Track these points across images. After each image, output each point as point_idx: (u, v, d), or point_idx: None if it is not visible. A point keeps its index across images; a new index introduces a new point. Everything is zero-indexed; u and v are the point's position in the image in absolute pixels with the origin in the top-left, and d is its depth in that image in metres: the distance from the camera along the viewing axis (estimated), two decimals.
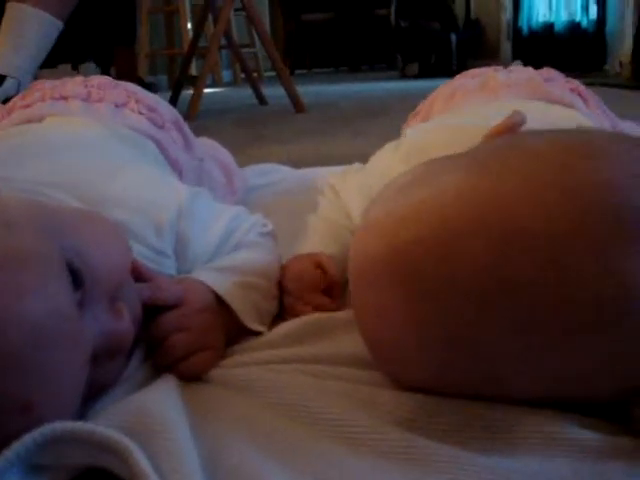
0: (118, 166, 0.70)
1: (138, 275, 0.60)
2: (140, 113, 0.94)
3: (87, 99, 0.90)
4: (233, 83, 5.35)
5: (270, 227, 0.76)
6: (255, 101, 3.26)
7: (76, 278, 0.48)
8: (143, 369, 0.57)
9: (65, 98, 0.89)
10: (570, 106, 0.91)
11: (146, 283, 0.59)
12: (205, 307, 0.61)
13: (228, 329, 0.63)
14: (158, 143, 0.90)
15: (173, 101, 2.99)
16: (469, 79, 1.06)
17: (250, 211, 0.78)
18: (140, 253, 0.61)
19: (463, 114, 0.90)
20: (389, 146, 0.85)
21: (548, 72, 1.02)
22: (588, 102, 0.97)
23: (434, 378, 0.49)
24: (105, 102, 0.91)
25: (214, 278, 0.64)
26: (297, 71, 6.25)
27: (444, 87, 1.10)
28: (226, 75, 5.47)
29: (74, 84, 0.94)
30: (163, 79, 5.00)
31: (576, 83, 0.99)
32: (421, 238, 0.46)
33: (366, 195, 0.74)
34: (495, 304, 0.43)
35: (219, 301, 0.63)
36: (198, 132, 1.36)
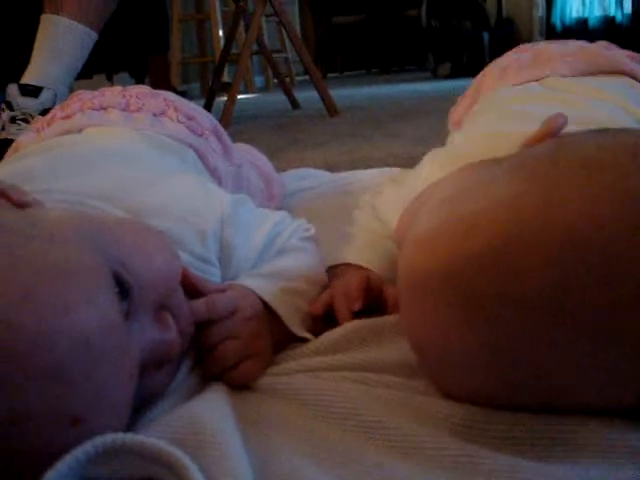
0: (159, 175, 0.70)
1: (190, 286, 0.59)
2: (179, 122, 0.94)
3: (126, 109, 0.90)
4: (265, 89, 5.37)
5: (312, 231, 0.76)
6: (288, 106, 3.27)
7: (122, 289, 0.48)
8: (191, 378, 0.56)
9: (104, 108, 0.90)
10: (631, 75, 0.87)
11: (201, 299, 0.58)
12: (254, 315, 0.61)
13: (275, 336, 0.63)
14: (197, 151, 0.90)
15: (207, 108, 3.00)
16: (521, 54, 1.03)
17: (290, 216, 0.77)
18: (186, 261, 0.61)
19: (506, 115, 0.88)
20: (427, 157, 0.83)
21: (605, 43, 0.99)
22: None
23: (482, 389, 0.48)
24: (144, 111, 0.91)
25: (261, 285, 0.64)
26: (329, 74, 6.25)
27: (492, 66, 1.07)
28: (258, 81, 5.49)
29: (113, 94, 0.94)
30: (196, 87, 5.03)
31: (633, 53, 0.96)
32: (476, 254, 0.45)
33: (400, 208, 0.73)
34: (557, 319, 0.42)
35: (266, 308, 0.63)
36: (233, 138, 1.36)
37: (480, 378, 0.47)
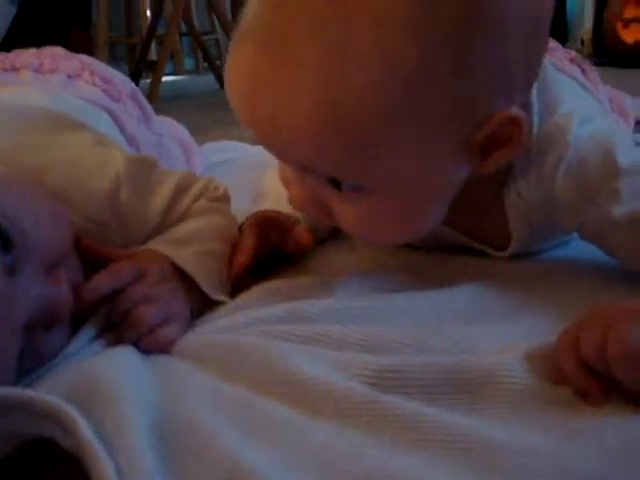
0: (55, 136, 0.66)
1: (93, 254, 0.58)
2: (94, 85, 0.91)
3: (39, 70, 0.87)
4: (195, 71, 5.28)
5: (222, 190, 0.73)
6: (217, 87, 3.22)
7: (6, 241, 0.46)
8: (95, 346, 0.54)
9: (17, 69, 0.87)
10: (571, 77, 0.90)
11: (102, 270, 0.56)
12: (164, 278, 0.59)
13: (192, 300, 0.61)
14: (112, 115, 0.88)
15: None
16: None
17: None
18: (82, 226, 0.59)
19: None
20: None
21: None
22: (587, 74, 0.95)
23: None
24: (58, 73, 0.88)
25: (171, 249, 0.62)
26: None
27: None
28: (188, 63, 5.39)
29: (27, 55, 0.91)
30: (124, 67, 4.92)
31: (574, 53, 0.98)
32: None
33: None
34: None
35: (179, 272, 0.61)
36: (157, 114, 1.34)
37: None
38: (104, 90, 0.91)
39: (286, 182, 0.62)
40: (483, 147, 0.54)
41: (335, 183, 0.55)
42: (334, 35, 0.48)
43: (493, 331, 0.52)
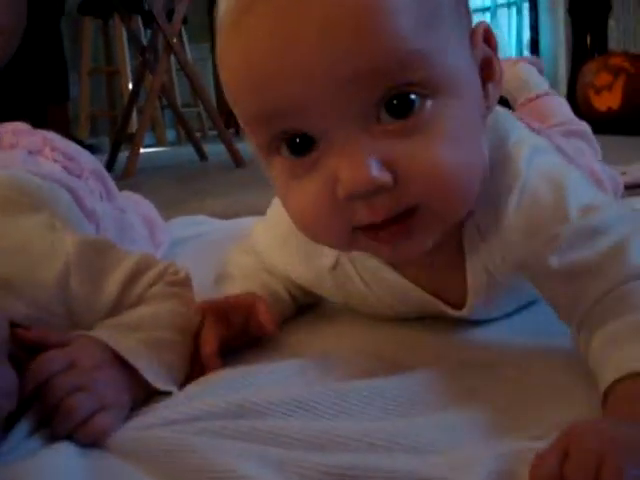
0: (9, 217, 0.65)
1: (29, 342, 0.55)
2: (55, 160, 0.90)
3: None
4: (177, 143, 5.32)
5: (183, 274, 0.71)
6: (197, 158, 3.23)
7: None
8: (32, 442, 0.50)
9: None
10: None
11: (31, 363, 0.53)
12: (99, 364, 0.56)
13: (133, 389, 0.57)
14: (72, 191, 0.85)
15: (112, 159, 2.94)
16: None
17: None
18: (25, 313, 0.57)
19: None
20: None
21: None
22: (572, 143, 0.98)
23: None
24: (19, 148, 0.87)
25: (111, 334, 0.59)
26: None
27: None
28: (170, 135, 5.44)
29: None
30: (105, 141, 4.94)
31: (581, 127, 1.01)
32: None
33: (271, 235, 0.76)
34: None
35: (121, 359, 0.57)
36: (134, 188, 1.33)
37: None
38: (65, 166, 0.90)
39: (333, 208, 0.53)
40: (480, 68, 0.56)
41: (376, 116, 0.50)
42: None
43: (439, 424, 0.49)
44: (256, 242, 0.80)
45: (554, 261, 0.56)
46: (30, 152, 0.88)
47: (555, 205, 0.57)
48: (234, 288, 0.74)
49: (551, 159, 0.62)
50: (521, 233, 0.58)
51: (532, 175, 0.59)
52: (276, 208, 0.75)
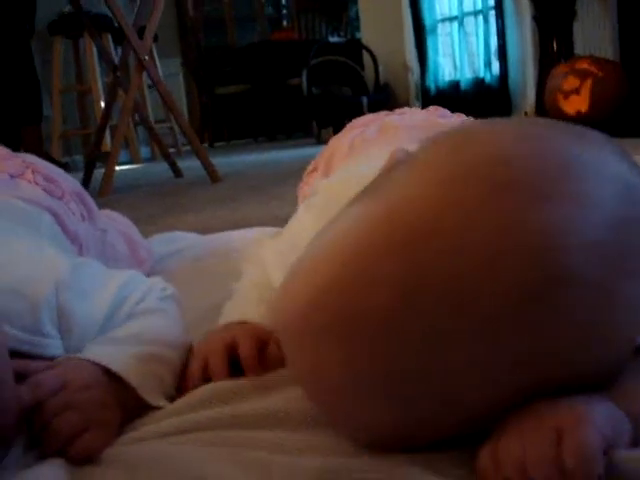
0: None
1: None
2: (36, 183, 0.91)
3: None
4: (151, 159, 5.31)
5: (170, 290, 0.72)
6: (172, 175, 3.24)
7: None
8: (26, 459, 0.51)
9: None
10: None
11: (24, 383, 0.53)
12: (89, 383, 0.57)
13: (125, 405, 0.59)
14: (54, 214, 0.87)
15: (87, 178, 2.94)
16: (364, 128, 1.06)
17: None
18: (15, 337, 0.57)
19: (364, 161, 0.89)
20: (301, 208, 0.82)
21: (437, 109, 1.05)
22: None
23: (389, 420, 0.45)
24: (0, 172, 0.88)
25: (101, 351, 0.60)
26: (216, 143, 6.28)
27: (337, 140, 1.10)
28: (144, 152, 5.43)
29: None
30: (79, 159, 4.93)
31: (465, 117, 1.02)
32: (335, 277, 0.44)
33: (280, 262, 0.72)
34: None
35: (112, 376, 0.59)
36: (110, 206, 1.34)
37: (378, 404, 0.44)
38: (46, 189, 0.91)
39: None
40: None
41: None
42: None
43: None
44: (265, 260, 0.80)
45: None
46: (12, 176, 0.89)
47: None
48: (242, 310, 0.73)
49: None
50: None
51: None
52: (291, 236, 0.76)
